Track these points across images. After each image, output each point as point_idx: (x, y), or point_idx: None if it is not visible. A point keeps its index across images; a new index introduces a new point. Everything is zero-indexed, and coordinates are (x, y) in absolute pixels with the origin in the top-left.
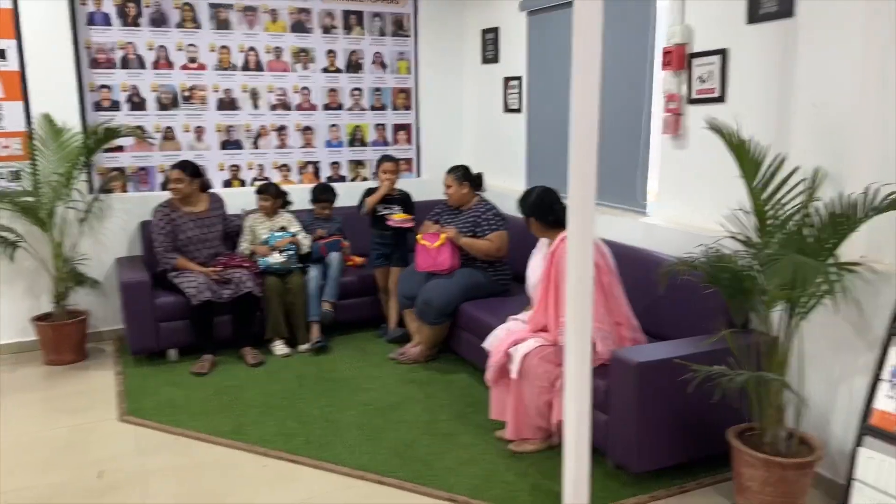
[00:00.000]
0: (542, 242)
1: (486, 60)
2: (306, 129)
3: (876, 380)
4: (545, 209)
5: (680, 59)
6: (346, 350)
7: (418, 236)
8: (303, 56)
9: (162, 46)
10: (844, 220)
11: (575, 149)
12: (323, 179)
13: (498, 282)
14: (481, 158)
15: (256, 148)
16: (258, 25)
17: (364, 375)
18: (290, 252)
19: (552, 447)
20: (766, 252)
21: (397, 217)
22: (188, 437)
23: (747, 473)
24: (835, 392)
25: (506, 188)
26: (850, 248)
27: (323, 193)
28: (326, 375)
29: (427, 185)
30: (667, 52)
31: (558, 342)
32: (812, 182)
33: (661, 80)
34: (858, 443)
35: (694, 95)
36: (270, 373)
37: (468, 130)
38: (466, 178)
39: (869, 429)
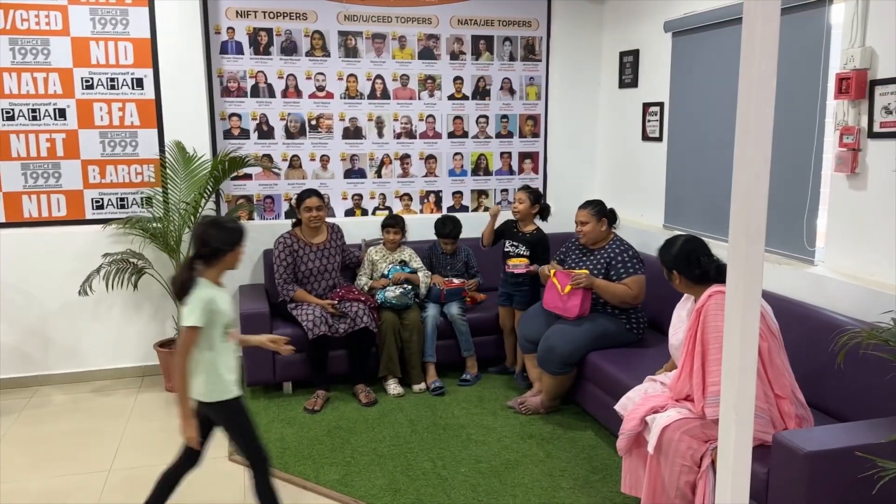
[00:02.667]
0: (687, 297)
1: (623, 85)
2: (430, 158)
3: None
4: (691, 262)
5: (859, 86)
6: (460, 393)
7: (551, 271)
8: (429, 83)
9: (291, 75)
10: None
11: (739, 191)
12: (445, 210)
13: (631, 331)
14: (614, 190)
15: (379, 177)
16: (386, 53)
17: (479, 425)
18: (408, 287)
19: None
20: None
21: (513, 262)
22: (295, 484)
23: None
24: None
25: (642, 223)
26: None
27: (443, 229)
28: (440, 422)
29: (553, 217)
30: (842, 79)
31: (705, 415)
32: None
33: (834, 110)
34: None
35: (877, 129)
36: (382, 414)
37: (600, 160)
38: (604, 213)
39: None
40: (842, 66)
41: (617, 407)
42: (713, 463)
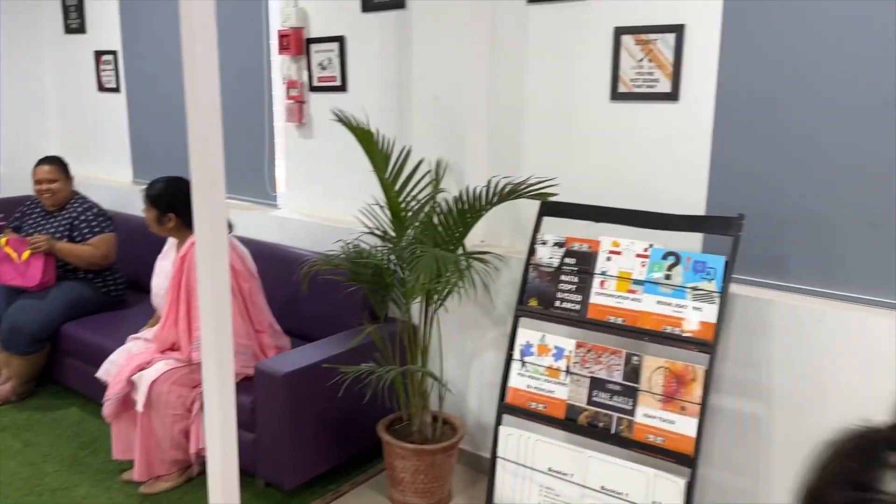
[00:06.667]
0: (171, 245)
1: (69, 30)
2: None
3: (509, 359)
4: (187, 204)
5: (298, 43)
6: None
7: (1, 240)
8: None
9: None
10: (470, 210)
11: (195, 143)
12: None
13: (108, 293)
14: (73, 146)
15: None
16: None
17: None
18: None
19: (191, 479)
20: (402, 246)
21: None
22: None
23: (399, 465)
24: (468, 369)
25: (109, 180)
26: (471, 235)
27: None
28: None
29: (3, 179)
30: (283, 36)
31: (193, 360)
32: (436, 174)
33: (280, 65)
34: (499, 421)
35: (315, 83)
36: None
37: (53, 112)
38: (68, 170)
39: (506, 407)
40: (281, 23)
41: (99, 374)
42: (202, 406)
